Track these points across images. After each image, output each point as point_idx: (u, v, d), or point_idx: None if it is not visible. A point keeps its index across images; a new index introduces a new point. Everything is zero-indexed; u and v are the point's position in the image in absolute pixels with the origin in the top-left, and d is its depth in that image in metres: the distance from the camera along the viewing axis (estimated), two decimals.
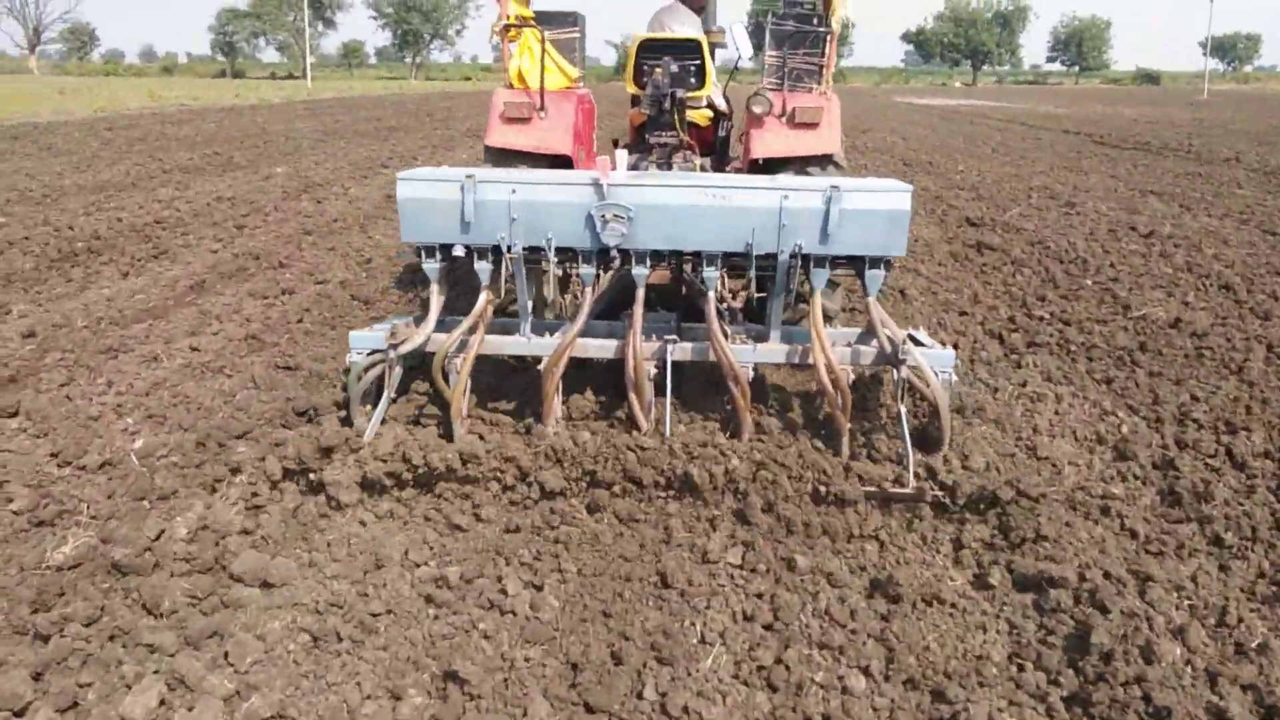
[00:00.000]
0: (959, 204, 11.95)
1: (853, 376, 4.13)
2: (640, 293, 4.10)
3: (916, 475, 3.70)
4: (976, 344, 5.91)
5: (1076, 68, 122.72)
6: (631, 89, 5.88)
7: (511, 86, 5.30)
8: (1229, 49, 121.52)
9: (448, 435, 4.05)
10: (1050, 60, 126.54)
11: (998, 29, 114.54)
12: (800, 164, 5.11)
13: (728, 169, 6.11)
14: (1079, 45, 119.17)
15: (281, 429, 4.20)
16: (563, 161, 5.18)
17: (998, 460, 3.96)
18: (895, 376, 4.03)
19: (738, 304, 4.75)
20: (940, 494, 3.64)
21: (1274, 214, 10.95)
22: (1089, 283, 7.51)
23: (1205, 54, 68.55)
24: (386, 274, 7.60)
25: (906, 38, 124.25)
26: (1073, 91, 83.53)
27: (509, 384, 4.74)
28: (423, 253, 4.14)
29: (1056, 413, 4.72)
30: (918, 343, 4.19)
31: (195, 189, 11.84)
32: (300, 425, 4.23)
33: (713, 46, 6.04)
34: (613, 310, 4.59)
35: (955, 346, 5.78)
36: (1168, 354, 5.67)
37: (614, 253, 4.06)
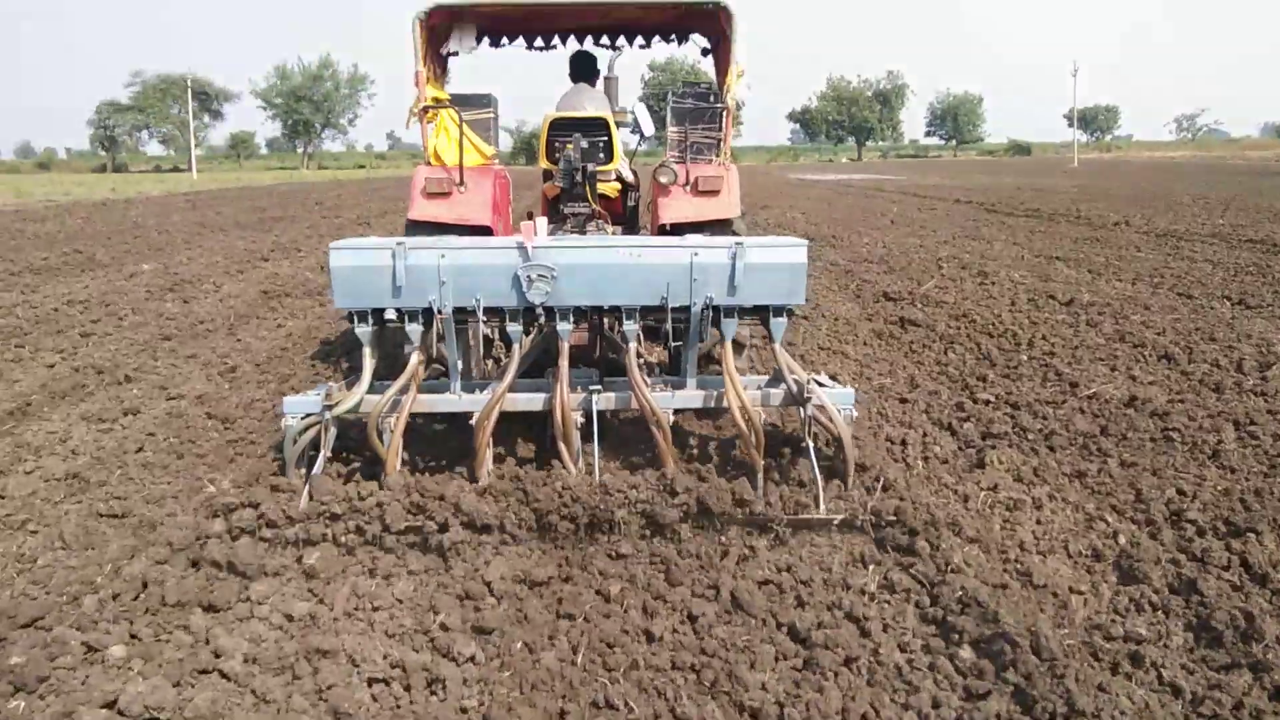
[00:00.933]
0: (871, 277, 11.59)
1: (764, 417, 4.45)
2: (565, 346, 4.38)
3: (828, 503, 3.98)
4: (927, 438, 5.27)
5: (954, 141, 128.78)
6: (544, 164, 6.17)
7: (430, 164, 5.59)
8: (1090, 120, 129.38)
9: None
10: (929, 134, 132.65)
11: (878, 106, 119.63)
12: (704, 228, 5.40)
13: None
14: (954, 120, 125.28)
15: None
16: (483, 232, 5.40)
17: (991, 593, 3.27)
18: (802, 414, 4.37)
19: (653, 359, 5.09)
20: (854, 517, 3.91)
21: (1182, 277, 10.87)
22: (1024, 358, 7.05)
23: (1073, 126, 72.45)
24: (252, 383, 6.62)
25: (792, 117, 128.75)
26: (952, 163, 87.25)
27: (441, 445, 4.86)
28: (355, 317, 4.34)
29: (1039, 522, 4.06)
30: (820, 384, 4.53)
31: (44, 291, 10.62)
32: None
33: (618, 124, 6.34)
34: (535, 370, 4.84)
35: (903, 443, 5.16)
36: (1133, 439, 5.14)
37: (539, 310, 4.33)
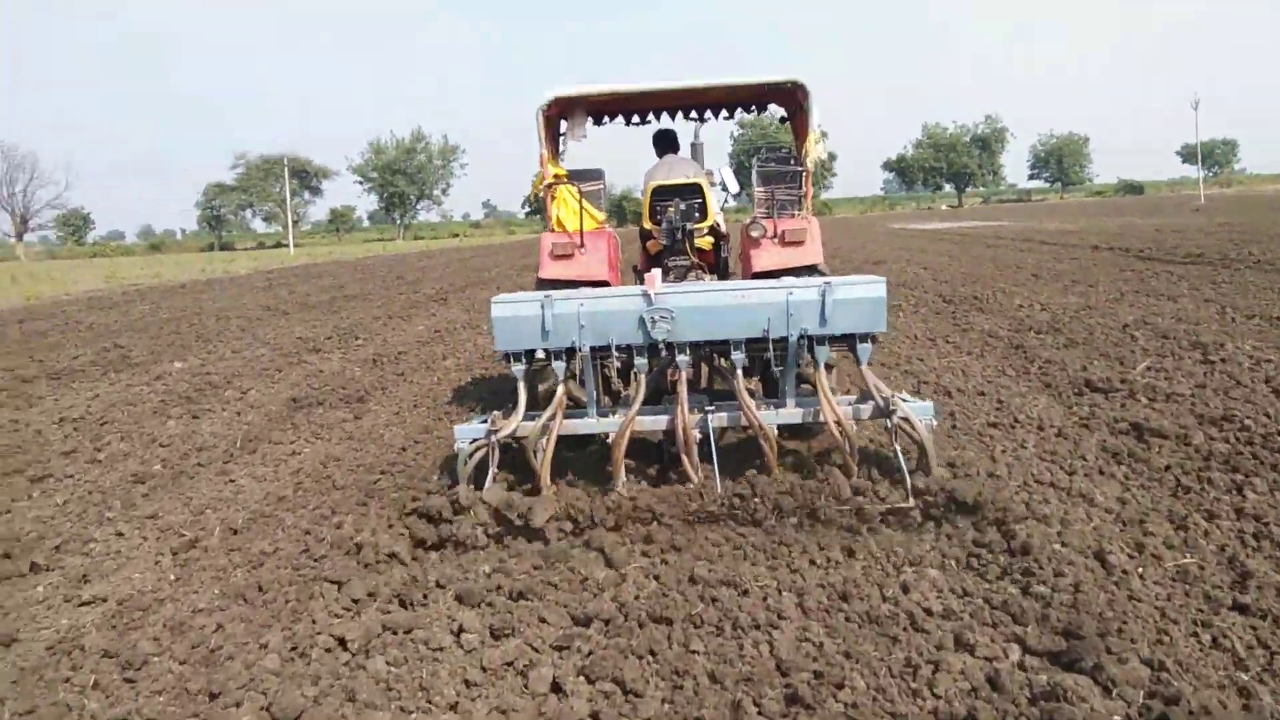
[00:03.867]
0: (1052, 355, 9.00)
1: (855, 429, 5.07)
2: (683, 375, 5.15)
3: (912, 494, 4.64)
4: None
5: (1058, 183, 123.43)
6: (647, 225, 6.78)
7: (554, 230, 6.33)
8: (1207, 155, 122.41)
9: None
10: (1032, 177, 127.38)
11: (977, 151, 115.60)
12: (792, 274, 5.83)
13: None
14: (1059, 162, 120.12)
15: None
16: (602, 285, 5.98)
17: None
18: (889, 425, 5.00)
19: (751, 386, 6.09)
20: (921, 503, 4.61)
21: None
22: None
23: (1198, 162, 67.50)
24: (208, 574, 4.50)
25: (888, 166, 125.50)
26: (1063, 206, 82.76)
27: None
28: (510, 358, 5.18)
29: None
30: (904, 400, 5.08)
31: (42, 406, 8.91)
32: None
33: (710, 184, 6.90)
34: (650, 400, 5.34)
35: None
36: None
37: (662, 346, 5.11)
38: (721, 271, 7.19)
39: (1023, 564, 3.99)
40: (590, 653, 3.48)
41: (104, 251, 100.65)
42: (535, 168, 6.45)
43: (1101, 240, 26.01)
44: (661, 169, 7.10)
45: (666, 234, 6.54)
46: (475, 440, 5.01)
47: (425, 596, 4.04)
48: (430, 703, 3.22)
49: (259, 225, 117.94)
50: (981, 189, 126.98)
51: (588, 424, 5.27)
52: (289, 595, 4.12)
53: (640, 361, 5.11)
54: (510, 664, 3.46)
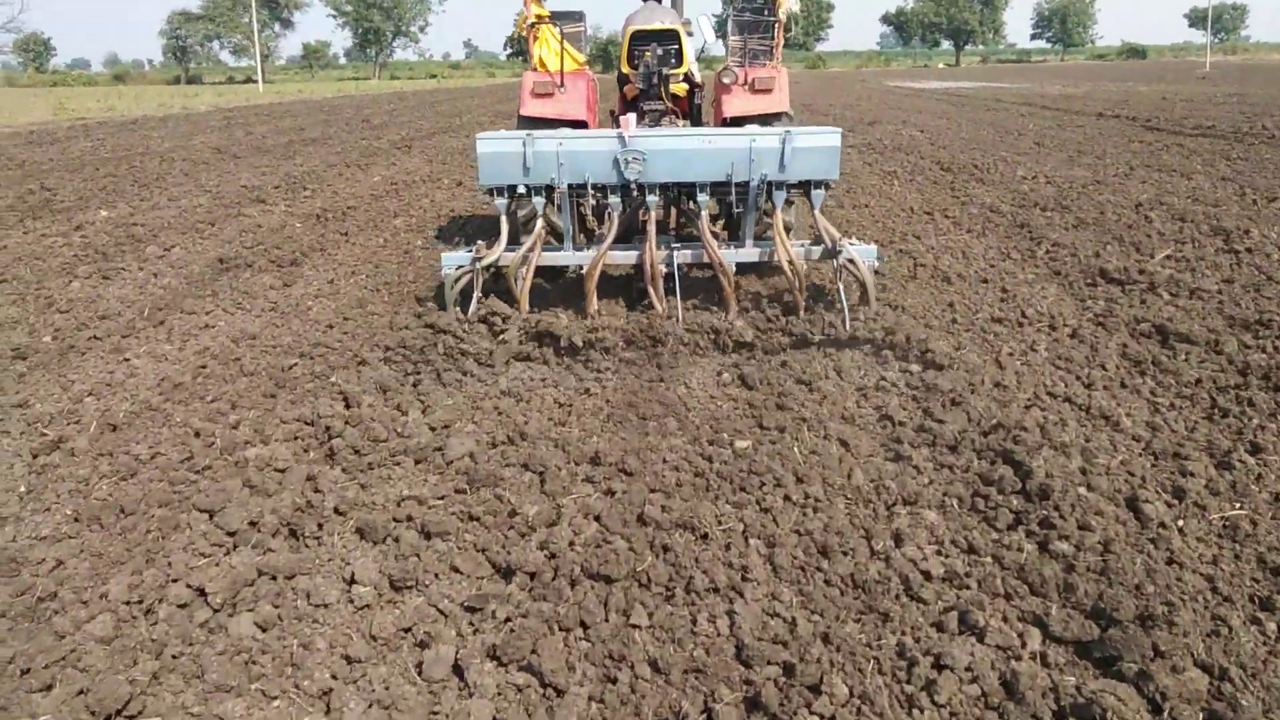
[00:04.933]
0: (1061, 237, 8.18)
1: (806, 269, 5.57)
2: (652, 214, 5.65)
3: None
4: None
5: (1060, 45, 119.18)
6: (625, 69, 7.21)
7: (536, 70, 6.59)
8: (1215, 20, 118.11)
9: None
10: (1034, 37, 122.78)
11: (979, 7, 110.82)
12: (760, 120, 6.34)
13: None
14: (1063, 21, 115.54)
15: None
16: (580, 125, 6.47)
17: None
18: (835, 264, 5.51)
19: (716, 228, 6.53)
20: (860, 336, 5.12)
21: None
22: None
23: (1206, 27, 64.70)
24: (68, 481, 3.73)
25: (886, 19, 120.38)
26: (1064, 68, 79.92)
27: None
28: (494, 192, 5.56)
29: None
30: (851, 244, 5.55)
31: None
32: None
33: (687, 34, 7.25)
34: (621, 240, 5.79)
35: None
36: None
37: (634, 186, 5.54)
38: (694, 119, 7.51)
39: (1040, 511, 3.31)
40: (507, 620, 2.80)
41: (65, 81, 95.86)
42: (519, 7, 6.66)
43: (1106, 108, 24.73)
44: (641, 14, 7.31)
45: (643, 78, 6.93)
46: (461, 266, 5.47)
47: (320, 528, 3.34)
48: (298, 687, 2.55)
49: (228, 58, 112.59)
50: (980, 48, 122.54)
51: (564, 256, 5.79)
52: (152, 522, 3.39)
53: (614, 200, 5.57)
54: (407, 631, 2.78)
